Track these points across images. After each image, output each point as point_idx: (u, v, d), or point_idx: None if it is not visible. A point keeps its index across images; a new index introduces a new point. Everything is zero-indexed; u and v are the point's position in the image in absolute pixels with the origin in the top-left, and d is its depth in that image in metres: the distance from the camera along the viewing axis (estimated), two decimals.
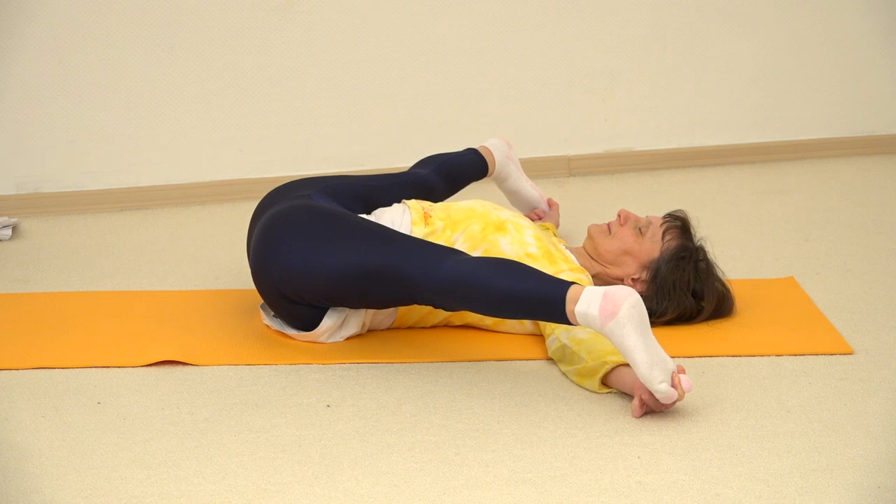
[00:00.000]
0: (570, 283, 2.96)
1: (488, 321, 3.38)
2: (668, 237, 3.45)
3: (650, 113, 4.74)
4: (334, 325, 3.28)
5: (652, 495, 2.66)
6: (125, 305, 3.54)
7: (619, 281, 3.47)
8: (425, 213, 3.42)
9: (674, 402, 2.92)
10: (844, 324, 3.45)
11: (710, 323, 3.43)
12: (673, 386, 2.90)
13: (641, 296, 3.25)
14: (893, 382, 3.14)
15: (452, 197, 3.85)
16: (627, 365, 3.03)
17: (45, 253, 3.97)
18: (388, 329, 3.41)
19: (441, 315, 3.39)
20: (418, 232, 3.37)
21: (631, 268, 3.46)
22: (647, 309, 2.94)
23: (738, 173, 4.72)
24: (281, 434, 2.89)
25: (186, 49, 4.33)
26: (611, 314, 2.88)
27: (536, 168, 4.55)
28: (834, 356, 3.27)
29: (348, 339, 3.33)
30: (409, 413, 2.99)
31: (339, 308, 3.27)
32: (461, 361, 3.25)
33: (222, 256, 3.92)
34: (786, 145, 4.85)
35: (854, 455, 2.81)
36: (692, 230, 3.48)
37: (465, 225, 3.39)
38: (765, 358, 3.26)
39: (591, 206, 4.36)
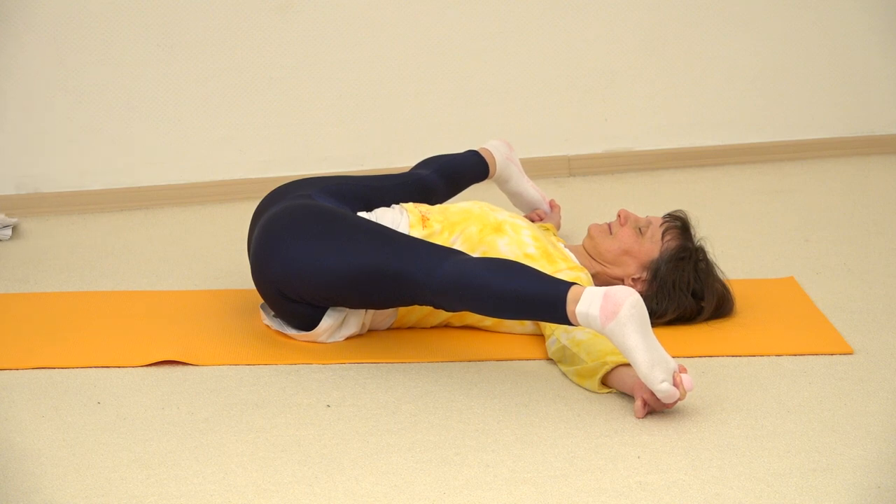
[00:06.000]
0: (570, 284, 2.96)
1: (488, 321, 3.38)
2: (667, 237, 3.45)
3: (650, 113, 4.74)
4: (334, 324, 3.28)
5: (652, 495, 2.66)
6: (125, 305, 3.54)
7: (619, 281, 3.47)
8: (423, 215, 3.41)
9: (675, 402, 2.92)
10: (844, 324, 3.45)
11: (710, 323, 3.43)
12: (674, 385, 2.90)
13: (641, 296, 3.25)
14: (893, 382, 3.14)
15: (451, 199, 3.85)
16: (627, 365, 3.03)
17: (45, 253, 3.97)
18: (388, 329, 3.41)
19: (441, 316, 3.39)
20: (416, 235, 3.36)
21: (631, 268, 3.46)
22: (647, 309, 2.94)
23: (738, 173, 4.72)
24: (281, 434, 2.89)
25: (186, 49, 4.33)
26: (611, 314, 2.88)
27: (536, 168, 4.55)
28: (834, 356, 3.27)
29: (348, 338, 3.33)
30: (409, 413, 2.99)
31: (339, 308, 3.27)
32: (461, 361, 3.25)
33: (222, 256, 3.92)
34: (786, 145, 4.85)
35: (854, 455, 2.81)
36: (692, 230, 3.49)
37: (462, 227, 3.39)
38: (765, 358, 3.26)
39: (591, 206, 4.36)
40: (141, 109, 4.34)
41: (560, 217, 4.06)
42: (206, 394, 3.07)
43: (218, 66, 4.36)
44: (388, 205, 3.52)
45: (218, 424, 2.93)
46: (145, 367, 3.19)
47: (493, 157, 3.95)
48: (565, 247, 3.53)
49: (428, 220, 3.40)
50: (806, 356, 3.27)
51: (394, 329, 3.41)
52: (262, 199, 3.45)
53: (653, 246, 3.45)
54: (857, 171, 4.74)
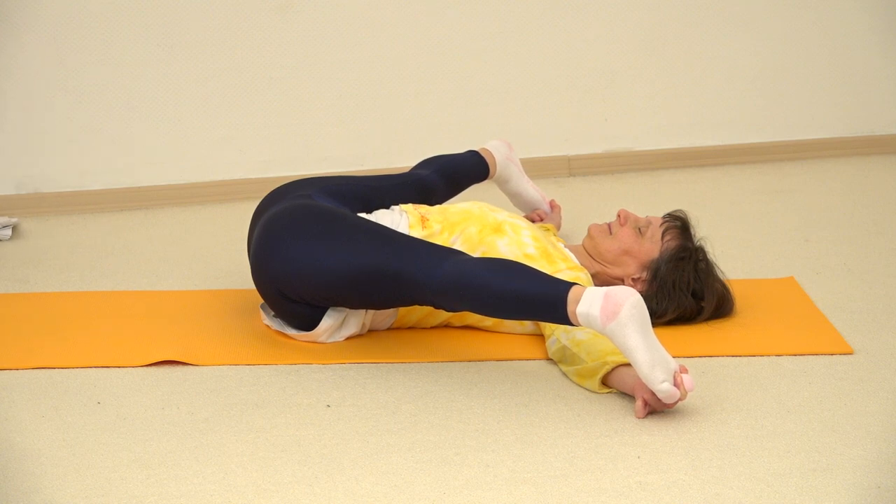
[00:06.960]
0: (571, 284, 2.96)
1: (488, 322, 3.38)
2: (667, 237, 3.45)
3: (650, 113, 4.74)
4: (334, 324, 3.28)
5: (652, 495, 2.66)
6: (125, 305, 3.54)
7: (619, 281, 3.47)
8: (422, 216, 3.42)
9: (676, 402, 2.92)
10: (844, 324, 3.45)
11: (710, 323, 3.43)
12: (675, 385, 2.90)
13: (641, 296, 3.24)
14: (893, 382, 3.14)
15: (451, 199, 3.85)
16: (627, 365, 3.03)
17: (45, 253, 3.97)
18: (388, 329, 3.41)
19: (441, 316, 3.39)
20: (416, 235, 3.36)
21: (631, 268, 3.46)
22: (647, 309, 2.94)
23: (738, 173, 4.72)
24: (281, 434, 2.89)
25: (186, 49, 4.33)
26: (612, 314, 2.88)
27: (536, 168, 4.55)
28: (834, 356, 3.27)
29: (348, 338, 3.33)
30: (409, 413, 2.99)
31: (339, 308, 3.27)
32: (461, 361, 3.25)
33: (222, 256, 3.92)
34: (786, 145, 4.85)
35: (854, 455, 2.81)
36: (692, 230, 3.49)
37: (462, 227, 3.39)
38: (765, 358, 3.26)
39: (591, 206, 4.36)
40: (141, 109, 4.34)
41: (560, 217, 4.06)
42: (206, 394, 3.07)
43: (218, 66, 4.36)
44: (387, 206, 3.52)
45: (218, 424, 2.93)
46: (145, 367, 3.19)
47: (493, 158, 3.95)
48: (565, 247, 3.53)
49: (427, 220, 3.40)
50: (806, 356, 3.27)
51: (394, 329, 3.41)
52: (262, 200, 3.45)
53: (653, 246, 3.45)
54: (857, 171, 4.74)
